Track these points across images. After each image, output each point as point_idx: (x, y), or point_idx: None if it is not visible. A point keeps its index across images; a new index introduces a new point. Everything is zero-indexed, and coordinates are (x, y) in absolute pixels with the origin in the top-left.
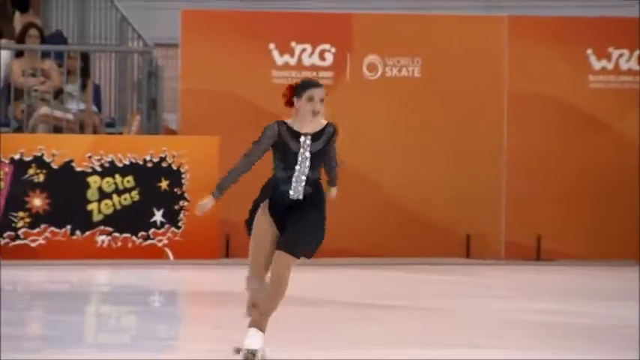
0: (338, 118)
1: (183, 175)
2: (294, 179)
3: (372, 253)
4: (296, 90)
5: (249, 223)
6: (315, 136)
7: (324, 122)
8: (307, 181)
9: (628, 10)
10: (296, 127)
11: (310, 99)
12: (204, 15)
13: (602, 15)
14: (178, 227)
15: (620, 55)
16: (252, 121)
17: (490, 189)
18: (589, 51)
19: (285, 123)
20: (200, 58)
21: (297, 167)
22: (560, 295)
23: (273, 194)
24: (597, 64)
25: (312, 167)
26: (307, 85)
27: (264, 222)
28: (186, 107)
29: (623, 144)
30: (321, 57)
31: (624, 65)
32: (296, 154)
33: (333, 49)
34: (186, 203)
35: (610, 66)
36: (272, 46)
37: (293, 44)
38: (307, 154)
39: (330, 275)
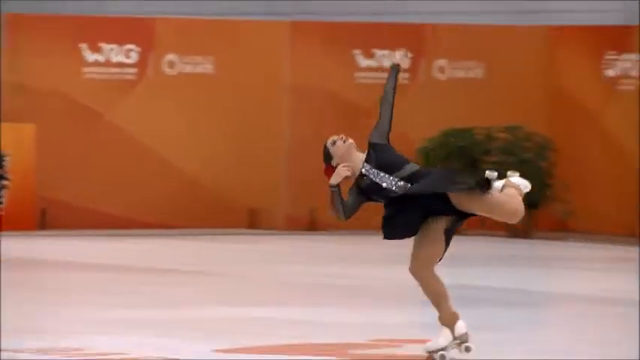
0: (142, 108)
1: (4, 158)
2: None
3: (174, 225)
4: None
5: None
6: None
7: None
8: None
9: (402, 16)
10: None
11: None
12: (25, 19)
13: (368, 20)
14: (0, 202)
15: (383, 55)
16: (66, 112)
17: (273, 170)
18: (356, 51)
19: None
20: (20, 57)
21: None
22: (332, 260)
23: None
24: (364, 63)
25: (386, 171)
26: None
27: None
28: (8, 100)
29: None
30: (127, 55)
31: (386, 63)
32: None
33: (138, 49)
34: (6, 182)
35: (375, 64)
36: (83, 45)
37: (102, 44)
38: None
39: (136, 245)
